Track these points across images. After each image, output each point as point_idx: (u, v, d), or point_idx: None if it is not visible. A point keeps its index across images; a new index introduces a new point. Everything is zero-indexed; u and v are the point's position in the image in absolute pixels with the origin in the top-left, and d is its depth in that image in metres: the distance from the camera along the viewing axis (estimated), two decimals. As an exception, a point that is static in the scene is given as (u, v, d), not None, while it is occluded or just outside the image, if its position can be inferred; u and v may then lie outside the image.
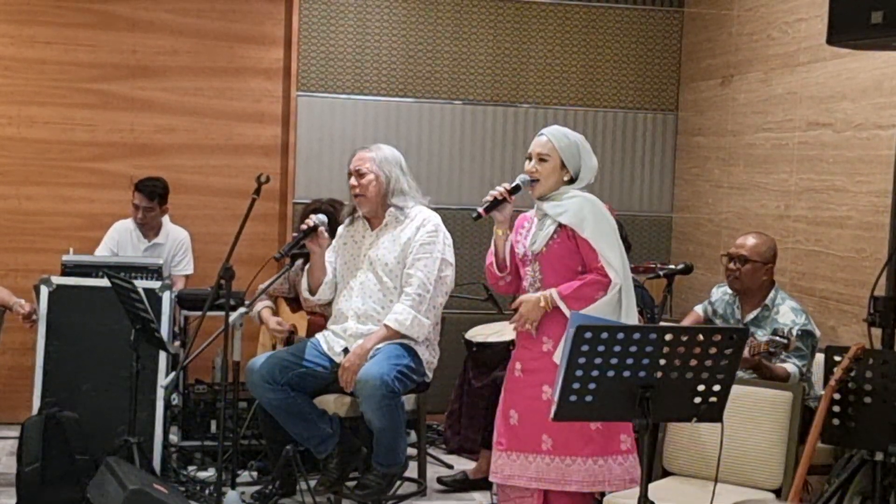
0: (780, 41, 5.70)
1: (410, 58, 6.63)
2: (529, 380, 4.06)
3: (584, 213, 4.00)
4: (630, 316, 3.98)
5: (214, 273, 4.61)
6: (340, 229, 4.80)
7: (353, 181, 4.68)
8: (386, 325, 4.54)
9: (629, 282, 4.02)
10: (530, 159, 4.12)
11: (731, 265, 4.68)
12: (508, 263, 4.14)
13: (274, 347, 5.29)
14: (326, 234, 4.60)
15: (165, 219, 6.08)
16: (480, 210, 4.04)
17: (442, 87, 6.67)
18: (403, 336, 4.54)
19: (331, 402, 4.65)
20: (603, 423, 3.95)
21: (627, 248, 5.43)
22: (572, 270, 4.03)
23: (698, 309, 4.99)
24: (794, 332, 4.25)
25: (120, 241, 5.97)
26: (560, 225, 4.02)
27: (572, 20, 6.77)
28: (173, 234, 6.08)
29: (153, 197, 5.93)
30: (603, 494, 4.05)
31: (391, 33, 6.60)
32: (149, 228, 6.01)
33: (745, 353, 4.22)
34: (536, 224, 4.12)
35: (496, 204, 4.04)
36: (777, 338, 4.20)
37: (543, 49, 6.75)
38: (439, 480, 5.35)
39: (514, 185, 4.06)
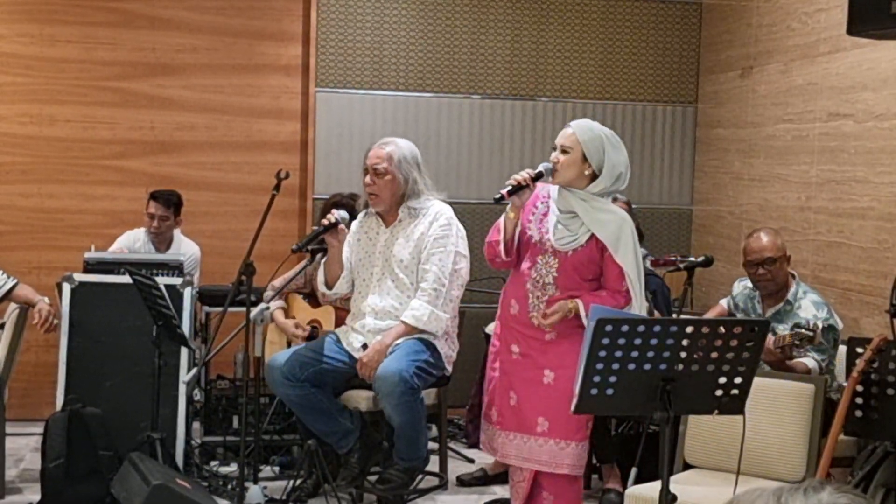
0: (800, 32, 5.67)
1: (428, 52, 6.63)
2: (529, 363, 4.13)
3: (622, 236, 4.04)
4: None
5: (235, 269, 4.62)
6: (354, 224, 4.74)
7: (368, 179, 4.61)
8: (403, 322, 4.54)
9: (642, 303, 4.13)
10: (555, 150, 4.13)
11: (761, 270, 4.57)
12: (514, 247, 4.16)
13: (289, 345, 5.28)
14: (346, 230, 4.60)
15: (177, 232, 5.99)
16: (504, 192, 4.03)
17: (460, 82, 6.66)
18: (421, 331, 4.55)
19: (361, 398, 4.66)
20: None
21: (641, 237, 5.44)
22: (585, 279, 4.09)
23: (723, 302, 4.97)
24: (820, 325, 4.23)
25: (130, 250, 5.84)
26: (592, 234, 4.05)
27: (590, 13, 6.75)
28: (185, 247, 5.95)
29: (168, 205, 5.86)
30: (590, 476, 4.13)
31: (409, 28, 6.60)
32: (161, 241, 5.91)
33: (770, 345, 4.21)
34: (560, 217, 4.11)
35: (519, 189, 4.04)
36: (802, 330, 4.18)
37: (562, 42, 6.73)
38: (459, 480, 5.36)
39: (537, 171, 4.07)
